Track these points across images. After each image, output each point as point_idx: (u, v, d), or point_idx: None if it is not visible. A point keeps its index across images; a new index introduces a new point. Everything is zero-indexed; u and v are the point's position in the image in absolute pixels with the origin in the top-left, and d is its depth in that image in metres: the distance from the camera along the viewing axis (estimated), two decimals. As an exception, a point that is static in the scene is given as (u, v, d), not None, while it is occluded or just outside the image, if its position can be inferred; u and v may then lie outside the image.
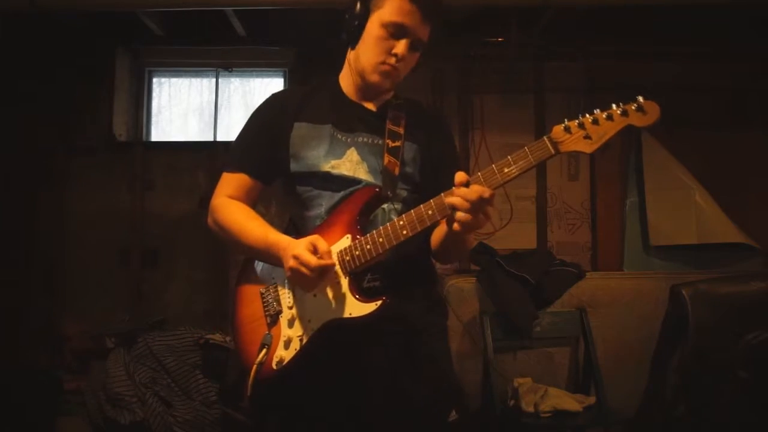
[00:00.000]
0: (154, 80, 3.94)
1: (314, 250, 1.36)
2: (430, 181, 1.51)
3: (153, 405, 2.79)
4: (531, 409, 2.75)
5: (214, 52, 3.76)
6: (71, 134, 3.62)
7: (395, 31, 1.44)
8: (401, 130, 1.52)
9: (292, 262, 1.35)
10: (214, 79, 3.89)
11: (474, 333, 2.99)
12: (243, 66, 3.86)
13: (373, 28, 1.46)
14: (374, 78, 1.48)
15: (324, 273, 1.37)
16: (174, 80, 3.96)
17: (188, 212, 3.59)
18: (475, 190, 1.24)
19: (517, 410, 2.81)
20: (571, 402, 2.76)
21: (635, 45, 3.47)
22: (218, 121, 3.87)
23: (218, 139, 3.82)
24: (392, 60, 1.46)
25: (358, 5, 1.47)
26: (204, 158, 3.63)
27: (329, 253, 1.38)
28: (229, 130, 3.87)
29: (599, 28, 3.38)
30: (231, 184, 1.56)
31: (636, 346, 3.02)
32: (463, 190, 1.26)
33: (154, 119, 3.93)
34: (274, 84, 3.92)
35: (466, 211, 1.26)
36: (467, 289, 3.07)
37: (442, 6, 1.51)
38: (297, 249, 1.36)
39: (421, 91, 3.59)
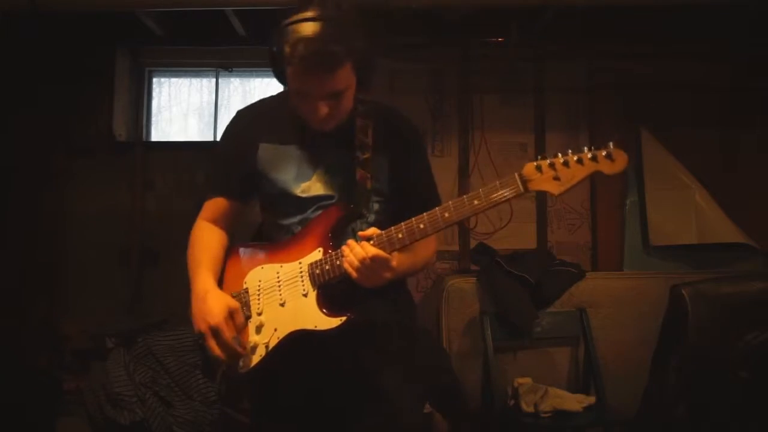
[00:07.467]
0: (154, 80, 3.94)
1: (231, 322, 1.40)
2: (398, 192, 1.51)
3: (153, 405, 2.79)
4: (531, 409, 2.75)
5: (214, 52, 3.76)
6: (71, 134, 3.62)
7: (303, 96, 1.36)
8: (369, 141, 1.48)
9: (204, 328, 1.38)
10: (214, 79, 3.89)
11: (474, 333, 2.99)
12: (243, 66, 3.86)
13: (290, 83, 1.37)
14: (314, 125, 1.42)
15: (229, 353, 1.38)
16: (174, 80, 3.96)
17: (188, 212, 3.54)
18: (367, 251, 1.28)
19: (517, 410, 2.80)
20: (571, 402, 2.76)
21: (635, 45, 3.47)
22: (218, 121, 3.87)
23: (218, 139, 3.80)
24: (318, 116, 1.37)
25: (273, 58, 1.38)
26: (204, 158, 3.61)
27: (244, 323, 1.44)
28: (229, 130, 3.86)
29: (599, 28, 3.38)
30: (209, 208, 1.62)
31: (636, 346, 3.01)
32: (357, 249, 1.30)
33: (154, 119, 3.93)
34: (274, 84, 3.90)
35: (355, 269, 1.30)
36: (467, 289, 3.07)
37: (346, 47, 1.31)
38: (217, 318, 1.38)
39: (421, 91, 3.59)
